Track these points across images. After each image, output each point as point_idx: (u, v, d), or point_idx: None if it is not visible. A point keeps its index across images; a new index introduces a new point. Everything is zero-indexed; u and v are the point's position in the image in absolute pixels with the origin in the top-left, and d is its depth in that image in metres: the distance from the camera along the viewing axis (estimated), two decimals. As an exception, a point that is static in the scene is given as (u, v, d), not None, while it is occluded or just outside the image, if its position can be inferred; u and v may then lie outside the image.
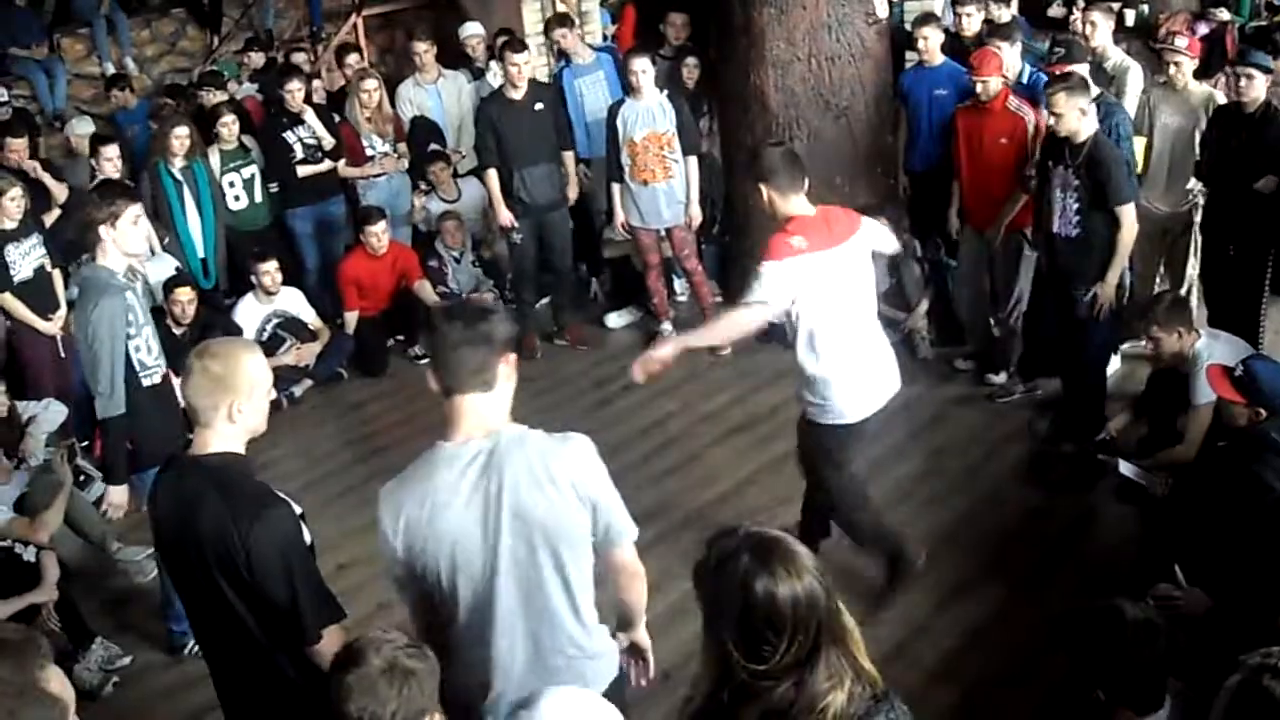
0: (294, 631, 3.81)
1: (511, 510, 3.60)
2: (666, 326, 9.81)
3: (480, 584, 3.66)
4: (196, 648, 6.33)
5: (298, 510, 3.93)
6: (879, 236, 6.29)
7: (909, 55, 9.65)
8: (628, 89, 9.30)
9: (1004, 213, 8.33)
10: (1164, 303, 7.17)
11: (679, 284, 10.58)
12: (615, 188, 9.50)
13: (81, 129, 10.93)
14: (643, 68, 9.07)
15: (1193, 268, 8.53)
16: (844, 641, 2.83)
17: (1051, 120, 7.36)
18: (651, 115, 9.18)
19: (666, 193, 9.36)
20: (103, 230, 5.87)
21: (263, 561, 3.71)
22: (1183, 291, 8.45)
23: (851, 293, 5.98)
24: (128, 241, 5.95)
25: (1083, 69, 7.88)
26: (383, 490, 3.69)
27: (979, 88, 8.21)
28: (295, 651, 3.86)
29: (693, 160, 9.28)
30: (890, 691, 2.88)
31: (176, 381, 8.00)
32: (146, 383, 6.07)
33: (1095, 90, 7.82)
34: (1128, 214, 7.27)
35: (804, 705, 2.76)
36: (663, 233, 9.59)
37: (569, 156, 9.72)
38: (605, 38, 12.48)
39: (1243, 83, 7.63)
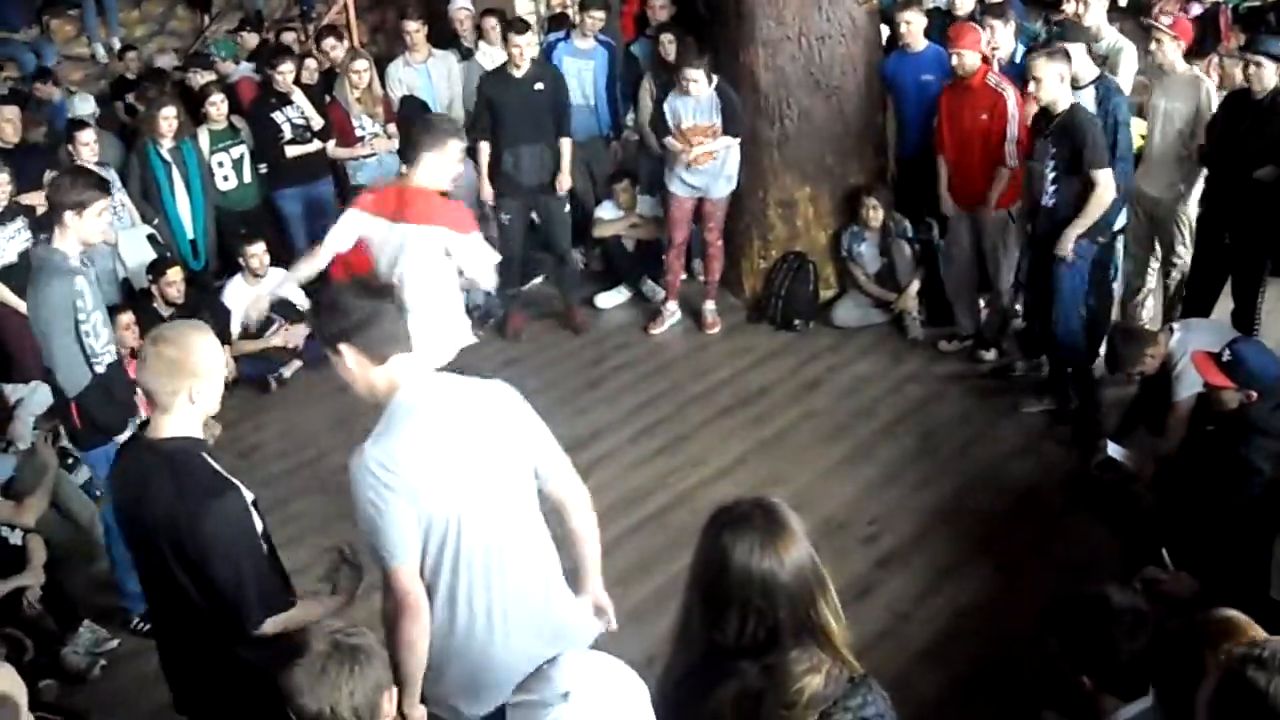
0: (238, 617, 3.84)
1: (492, 444, 3.79)
2: (672, 305, 9.81)
3: (490, 521, 3.79)
4: (145, 624, 6.44)
5: (250, 497, 3.96)
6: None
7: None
8: (676, 87, 9.11)
9: (992, 190, 8.30)
10: (1119, 345, 7.17)
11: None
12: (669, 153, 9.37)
13: (84, 109, 10.85)
14: (695, 77, 8.86)
15: (1183, 254, 8.44)
16: (824, 629, 2.82)
17: (1032, 87, 7.37)
18: (701, 111, 9.05)
19: (709, 169, 9.22)
20: (68, 215, 5.92)
21: (210, 547, 3.75)
22: (1174, 277, 8.46)
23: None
24: (89, 231, 6.02)
25: (1079, 49, 7.82)
26: (368, 448, 3.70)
27: (954, 60, 8.21)
28: (242, 635, 3.88)
29: (734, 140, 9.19)
30: (868, 676, 2.87)
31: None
32: (95, 368, 6.11)
33: (1094, 71, 7.79)
34: (1103, 178, 7.22)
35: (779, 688, 2.75)
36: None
37: (566, 143, 9.57)
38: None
39: (1251, 70, 7.58)
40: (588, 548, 4.22)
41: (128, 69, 12.65)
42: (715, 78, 9.07)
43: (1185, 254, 8.40)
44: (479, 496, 3.75)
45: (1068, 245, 7.37)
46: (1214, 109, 7.99)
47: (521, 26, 9.39)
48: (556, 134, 9.45)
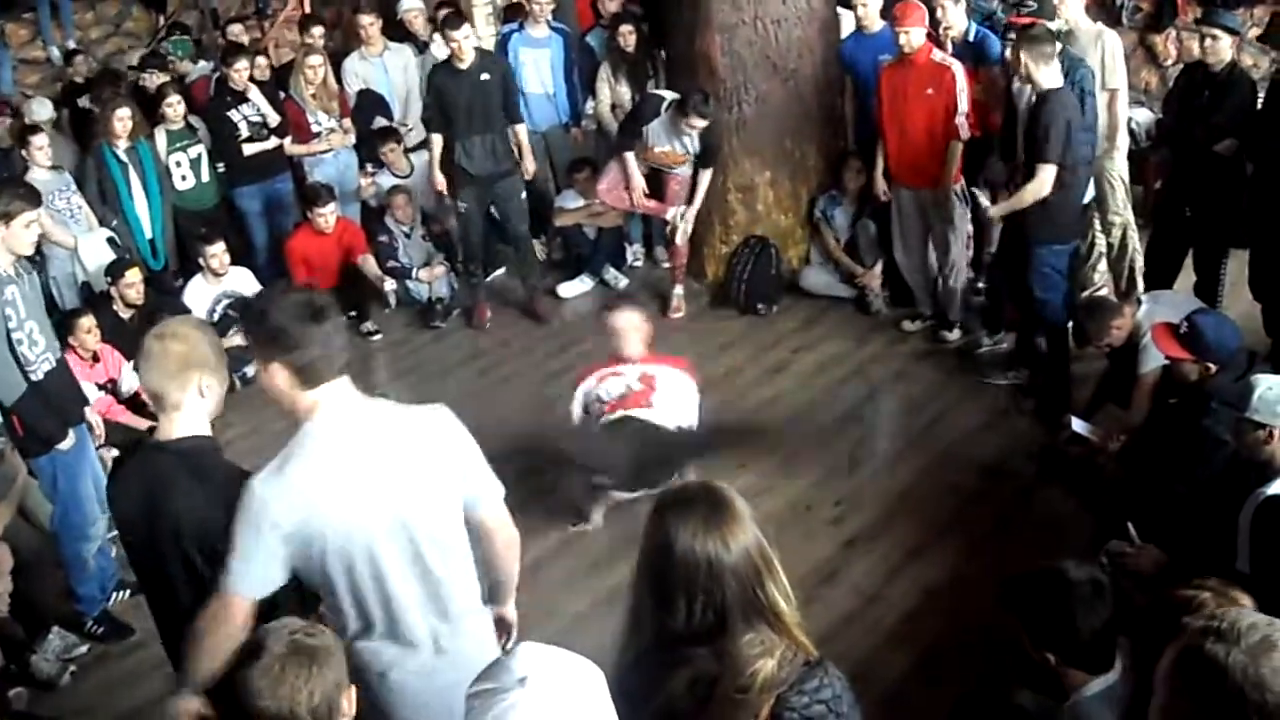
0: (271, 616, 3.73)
1: (413, 476, 3.63)
2: (679, 289, 9.89)
3: (400, 557, 3.65)
4: (99, 627, 6.62)
5: None
6: None
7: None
8: (670, 125, 9.14)
9: (946, 167, 8.34)
10: (1084, 318, 7.18)
11: (630, 252, 10.76)
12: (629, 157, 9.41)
13: (42, 112, 10.79)
14: (699, 126, 8.92)
15: (1122, 211, 8.47)
16: (774, 611, 2.83)
17: (1024, 75, 7.29)
18: (678, 144, 9.15)
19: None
20: None
21: None
22: (1116, 235, 8.49)
23: None
24: (16, 242, 6.04)
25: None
26: (258, 484, 3.49)
27: (901, 39, 8.18)
28: None
29: (706, 172, 9.32)
30: (824, 659, 2.88)
31: (127, 367, 8.02)
32: (31, 377, 6.13)
33: (1058, 46, 7.81)
34: (1042, 172, 7.19)
35: (732, 671, 2.77)
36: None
37: (521, 129, 9.65)
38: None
39: (1207, 43, 7.61)
40: (504, 576, 4.10)
41: (77, 73, 12.57)
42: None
43: (1125, 210, 8.43)
44: (394, 527, 3.60)
45: (996, 213, 7.64)
46: (1118, 60, 8.08)
47: (456, 22, 9.34)
48: (508, 121, 9.49)
